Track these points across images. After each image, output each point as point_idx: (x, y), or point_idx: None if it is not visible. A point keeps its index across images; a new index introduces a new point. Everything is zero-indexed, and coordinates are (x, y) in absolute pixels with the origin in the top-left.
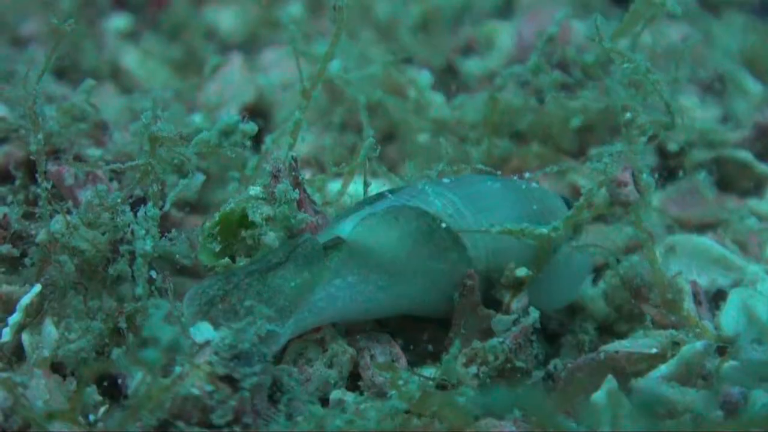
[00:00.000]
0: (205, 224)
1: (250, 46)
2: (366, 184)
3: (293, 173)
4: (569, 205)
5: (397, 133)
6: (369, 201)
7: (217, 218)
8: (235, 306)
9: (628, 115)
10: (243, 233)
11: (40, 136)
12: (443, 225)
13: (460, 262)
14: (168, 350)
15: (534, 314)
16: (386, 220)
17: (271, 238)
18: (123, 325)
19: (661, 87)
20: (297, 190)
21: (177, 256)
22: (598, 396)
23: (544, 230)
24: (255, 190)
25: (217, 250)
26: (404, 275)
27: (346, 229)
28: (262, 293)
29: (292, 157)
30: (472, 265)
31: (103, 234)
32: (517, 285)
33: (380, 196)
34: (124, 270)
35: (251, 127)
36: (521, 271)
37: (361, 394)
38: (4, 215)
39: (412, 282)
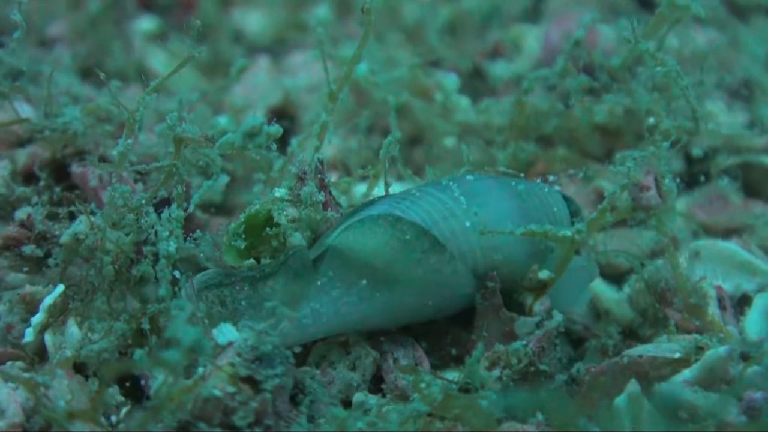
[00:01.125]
0: (230, 225)
1: (277, 48)
2: (387, 185)
3: (319, 175)
4: (571, 205)
5: (423, 136)
6: (356, 210)
7: (242, 219)
8: (225, 298)
9: (651, 120)
10: (268, 234)
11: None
12: (420, 230)
13: (442, 265)
14: (190, 351)
15: (558, 317)
16: (363, 230)
17: (297, 239)
18: (146, 326)
19: (689, 92)
20: (323, 193)
21: (201, 256)
22: (621, 400)
23: (567, 233)
24: (281, 191)
25: (242, 250)
26: (386, 284)
27: (330, 240)
28: (252, 298)
29: (318, 159)
30: (464, 263)
31: (128, 235)
32: (540, 287)
33: (368, 203)
34: (147, 271)
35: (276, 129)
36: (544, 274)
37: (384, 396)
38: (28, 216)
39: (395, 290)
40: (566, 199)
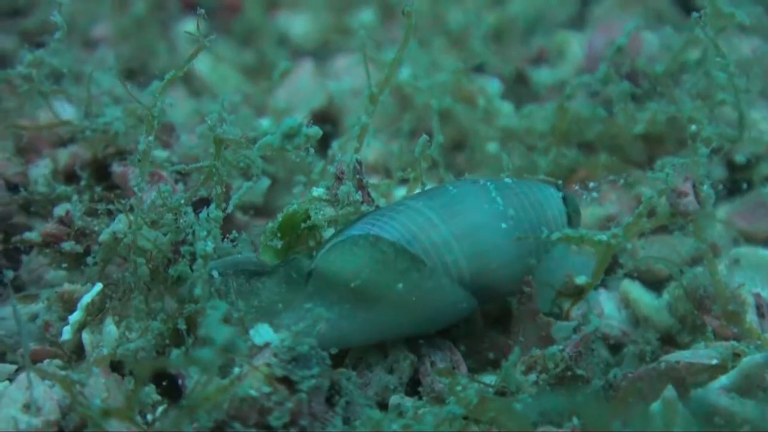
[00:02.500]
0: (268, 225)
1: (322, 52)
2: (423, 186)
3: (357, 176)
4: (569, 206)
5: (465, 141)
6: (341, 229)
7: (279, 219)
8: (221, 286)
9: (693, 127)
10: (305, 233)
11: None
12: (399, 248)
13: (423, 281)
14: (223, 351)
15: (594, 322)
16: (342, 251)
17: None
18: (182, 326)
19: (740, 94)
20: (360, 193)
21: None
22: (656, 405)
23: (604, 237)
24: (318, 191)
25: (279, 249)
26: (368, 303)
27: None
28: (242, 288)
29: (357, 159)
30: (449, 275)
31: (165, 234)
32: (577, 293)
33: (352, 222)
34: (185, 271)
35: (315, 131)
36: (581, 279)
37: (420, 399)
38: (67, 212)
39: (377, 309)
40: (566, 199)
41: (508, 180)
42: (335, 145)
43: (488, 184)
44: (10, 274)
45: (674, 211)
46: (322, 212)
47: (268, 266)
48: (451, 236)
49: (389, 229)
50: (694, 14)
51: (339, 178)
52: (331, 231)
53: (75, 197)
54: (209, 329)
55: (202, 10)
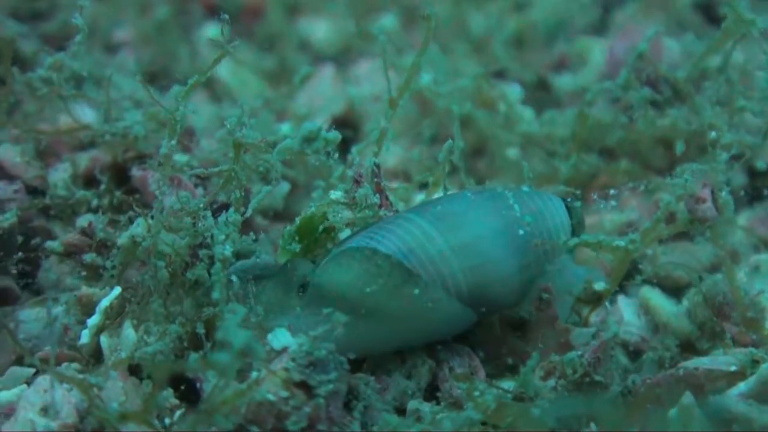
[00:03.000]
0: (287, 228)
1: (343, 57)
2: (446, 191)
3: (375, 179)
4: (574, 217)
5: (486, 147)
6: (342, 241)
7: (298, 222)
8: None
9: (713, 134)
10: (322, 236)
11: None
12: (395, 262)
13: (418, 295)
14: (241, 354)
15: (613, 328)
16: (339, 264)
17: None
18: (201, 330)
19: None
20: (378, 195)
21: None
22: (674, 411)
23: (621, 243)
24: (336, 194)
25: (297, 253)
26: (364, 316)
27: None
28: (247, 290)
29: (375, 163)
30: (446, 289)
31: (183, 238)
32: (596, 299)
33: (352, 235)
34: (202, 275)
35: (334, 136)
36: (599, 285)
37: (438, 404)
38: (89, 223)
39: (373, 322)
40: (570, 210)
41: (509, 191)
42: (354, 149)
43: (489, 195)
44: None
45: (692, 217)
46: (339, 215)
47: (272, 269)
48: (449, 249)
49: (386, 242)
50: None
51: (357, 182)
52: (347, 234)
53: (95, 203)
54: (227, 333)
55: (226, 16)
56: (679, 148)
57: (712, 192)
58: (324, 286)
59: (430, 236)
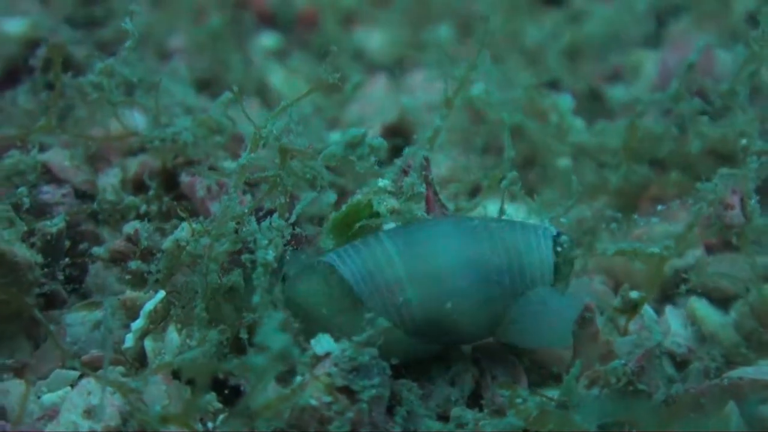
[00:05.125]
0: (332, 214)
1: (397, 67)
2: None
3: (424, 172)
4: (559, 255)
5: (537, 157)
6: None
7: (344, 209)
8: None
9: (743, 141)
10: (367, 224)
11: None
12: (345, 287)
13: (360, 322)
14: (279, 358)
15: (657, 336)
16: (304, 274)
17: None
18: (244, 335)
19: None
20: (424, 186)
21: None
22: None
23: (656, 249)
24: (384, 182)
25: (340, 237)
26: (313, 329)
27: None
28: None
29: (424, 156)
30: (397, 317)
31: (223, 244)
32: (632, 308)
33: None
34: (237, 281)
35: (379, 143)
36: (635, 294)
37: (481, 411)
38: (136, 230)
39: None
40: (558, 248)
41: (489, 221)
42: (407, 150)
43: (465, 226)
44: None
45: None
46: (385, 203)
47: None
48: (407, 277)
49: (349, 262)
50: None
51: (405, 171)
52: (391, 223)
53: (144, 207)
54: (265, 337)
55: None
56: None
57: (741, 199)
58: (289, 291)
59: (392, 261)
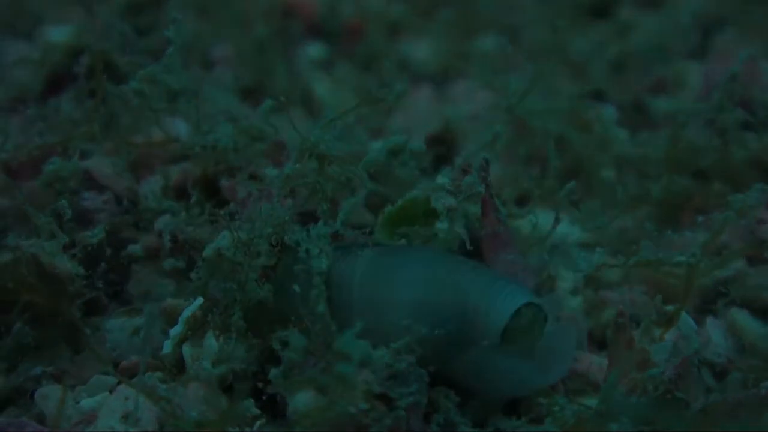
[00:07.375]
0: (387, 208)
1: (442, 77)
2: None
3: (482, 173)
4: (517, 320)
5: (580, 168)
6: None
7: (399, 203)
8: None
9: None
10: (422, 220)
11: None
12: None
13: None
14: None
15: (694, 344)
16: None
17: (443, 227)
18: (276, 346)
19: None
20: (483, 186)
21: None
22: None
23: (682, 258)
24: (443, 179)
25: (392, 231)
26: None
27: None
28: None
29: (484, 158)
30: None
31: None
32: (668, 320)
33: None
34: (266, 297)
35: (419, 147)
36: (669, 308)
37: (519, 419)
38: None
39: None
40: (520, 318)
41: (468, 270)
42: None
43: (434, 264)
44: None
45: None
46: (443, 200)
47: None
48: (357, 302)
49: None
50: None
51: (465, 171)
52: (445, 222)
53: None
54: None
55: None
56: None
57: None
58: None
59: (350, 286)
